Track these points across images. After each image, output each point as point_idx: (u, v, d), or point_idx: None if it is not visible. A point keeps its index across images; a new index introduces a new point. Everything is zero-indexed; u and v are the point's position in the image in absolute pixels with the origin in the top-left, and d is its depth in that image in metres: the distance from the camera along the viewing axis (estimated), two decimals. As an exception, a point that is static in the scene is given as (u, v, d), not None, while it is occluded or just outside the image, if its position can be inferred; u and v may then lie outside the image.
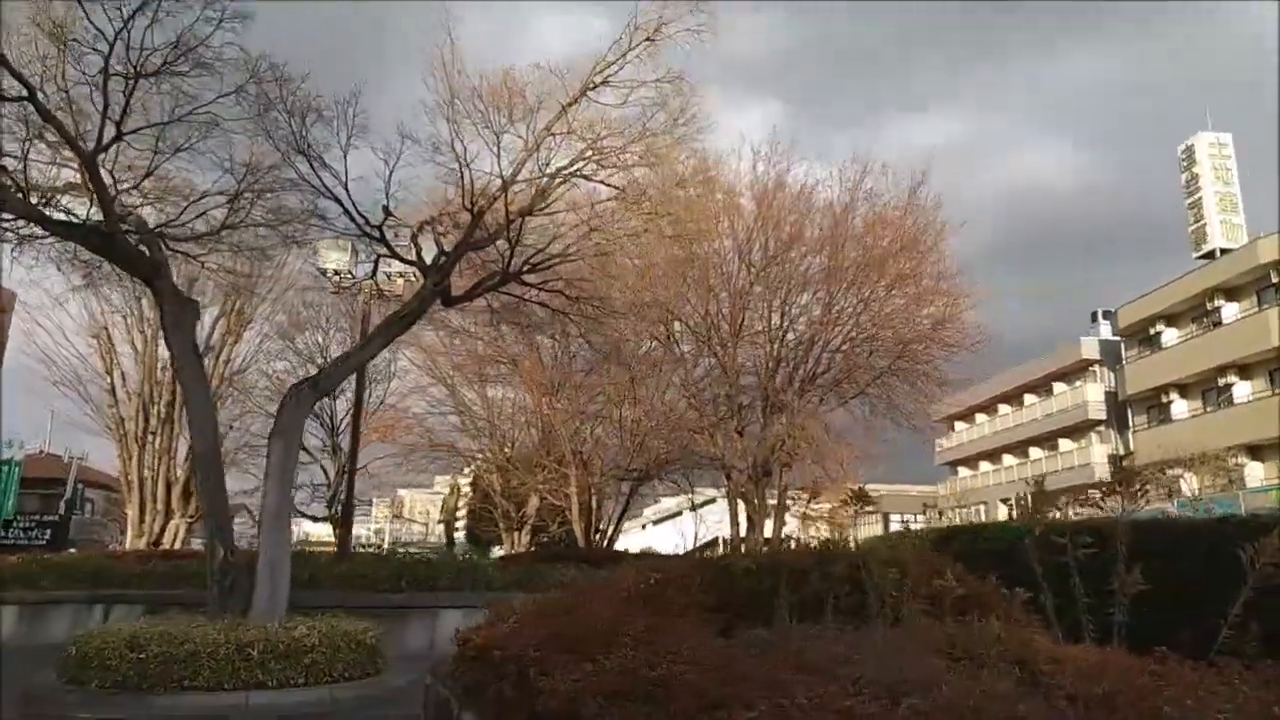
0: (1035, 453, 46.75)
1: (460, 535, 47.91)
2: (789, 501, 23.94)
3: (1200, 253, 36.84)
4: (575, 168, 9.87)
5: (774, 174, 22.50)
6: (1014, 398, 49.34)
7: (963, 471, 55.47)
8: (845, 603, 5.91)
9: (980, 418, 53.40)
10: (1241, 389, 33.68)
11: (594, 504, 27.17)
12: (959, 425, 56.15)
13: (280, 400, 9.51)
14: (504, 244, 9.72)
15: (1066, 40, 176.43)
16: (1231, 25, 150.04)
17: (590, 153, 9.84)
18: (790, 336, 22.82)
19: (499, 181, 9.46)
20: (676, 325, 23.05)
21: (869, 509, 54.48)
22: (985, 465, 52.66)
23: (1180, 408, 36.49)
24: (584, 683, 4.33)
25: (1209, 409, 35.16)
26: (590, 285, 12.50)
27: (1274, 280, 32.21)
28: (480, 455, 32.32)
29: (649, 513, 57.58)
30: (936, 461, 58.89)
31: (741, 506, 23.39)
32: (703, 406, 22.72)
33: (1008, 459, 49.66)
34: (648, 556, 18.52)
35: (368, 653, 8.30)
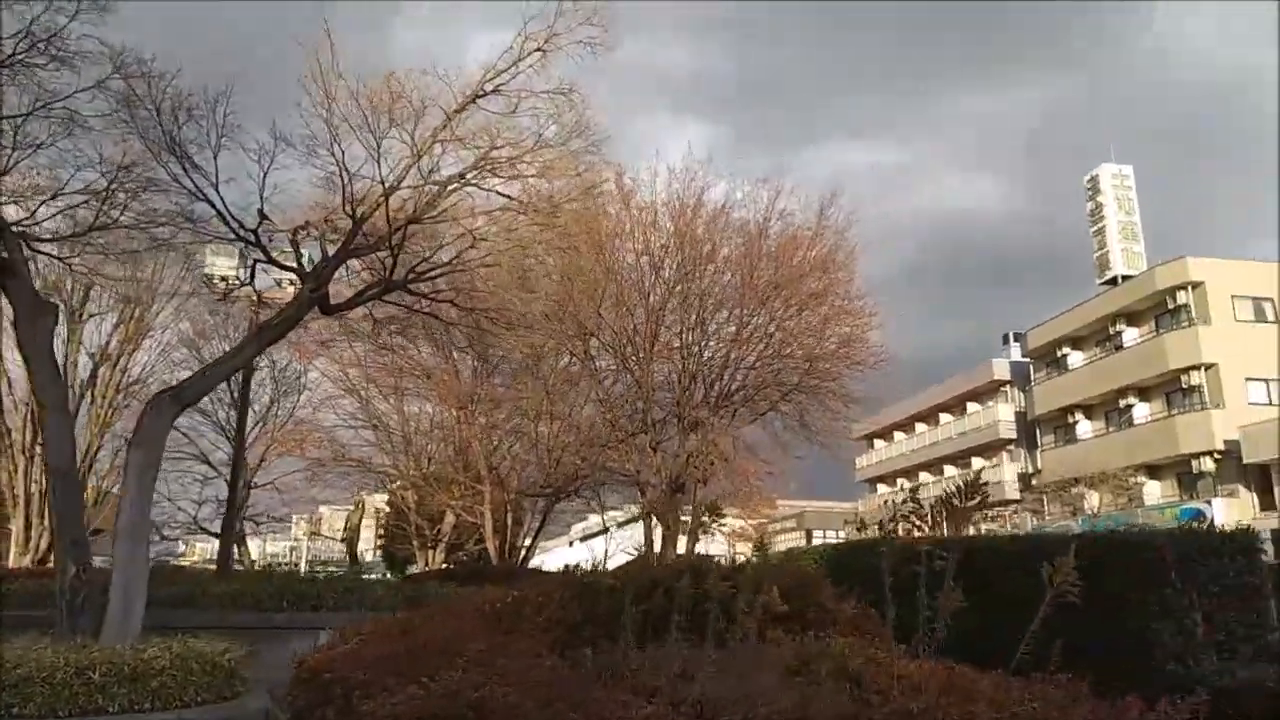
0: (950, 470, 47.87)
1: (375, 554, 46.63)
2: (705, 519, 23.91)
3: (1103, 279, 38.42)
4: (466, 177, 9.68)
5: (692, 191, 22.58)
6: (930, 417, 50.61)
7: (882, 489, 56.53)
8: (700, 620, 5.83)
9: (899, 436, 54.64)
10: (1141, 410, 35.14)
11: (508, 521, 26.75)
12: (878, 443, 57.36)
13: (140, 411, 9.05)
14: (387, 252, 9.44)
15: (994, 73, 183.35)
16: (1136, 63, 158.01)
17: (483, 162, 9.65)
18: (705, 354, 22.90)
19: (383, 187, 9.18)
20: (594, 341, 22.94)
21: (777, 525, 55.16)
22: (903, 482, 53.74)
23: (1085, 428, 37.88)
24: (404, 706, 4.16)
25: (1111, 429, 36.59)
26: (497, 298, 12.29)
27: (1170, 306, 33.77)
28: (394, 471, 31.55)
29: (577, 529, 57.14)
30: (856, 479, 60.03)
31: (657, 524, 23.31)
32: (618, 422, 22.58)
33: (924, 476, 50.76)
34: (560, 574, 18.23)
35: (224, 675, 7.88)
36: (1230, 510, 30.33)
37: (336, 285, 10.20)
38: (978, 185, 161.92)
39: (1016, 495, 40.46)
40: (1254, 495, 30.51)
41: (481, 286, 11.38)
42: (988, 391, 45.15)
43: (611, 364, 22.70)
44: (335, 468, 30.71)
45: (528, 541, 28.02)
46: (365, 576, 23.96)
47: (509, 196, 9.75)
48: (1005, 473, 41.81)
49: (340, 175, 9.16)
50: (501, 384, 26.77)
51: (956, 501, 13.46)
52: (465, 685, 3.90)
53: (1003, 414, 43.11)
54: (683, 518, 22.93)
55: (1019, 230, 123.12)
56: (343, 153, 9.11)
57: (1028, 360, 42.20)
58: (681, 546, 22.48)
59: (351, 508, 39.43)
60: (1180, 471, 33.16)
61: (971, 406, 46.53)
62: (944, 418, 49.19)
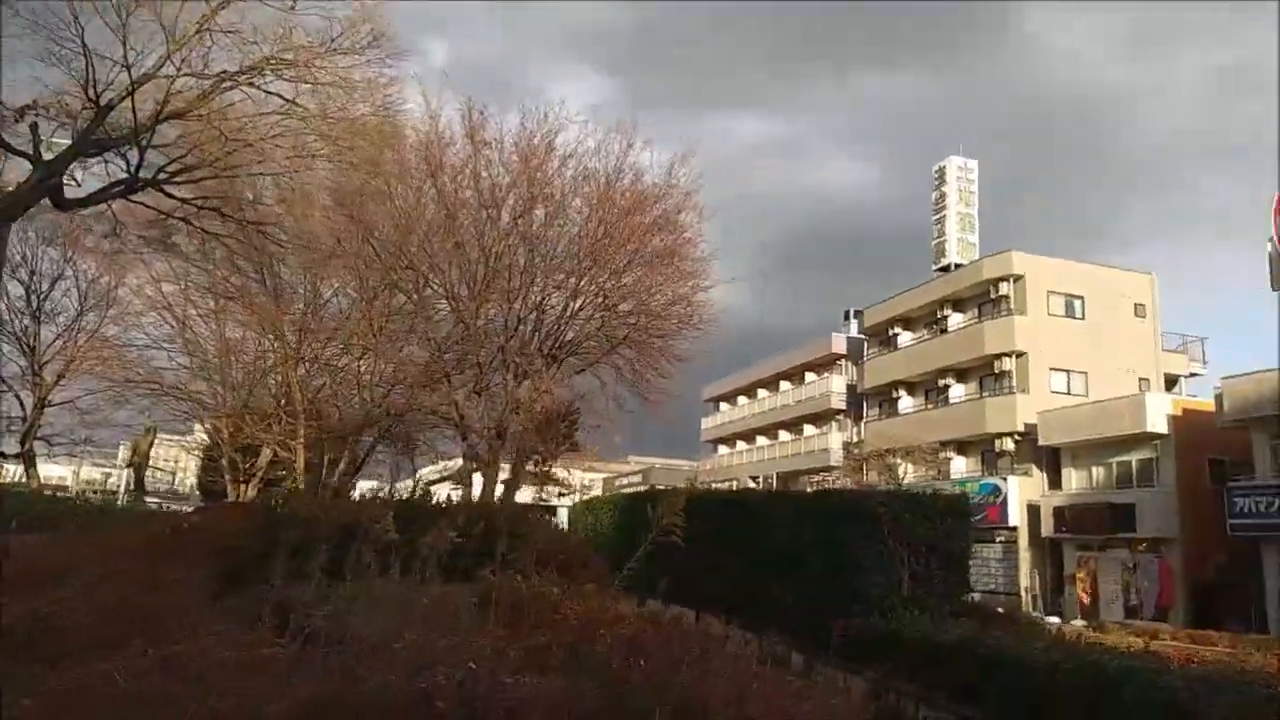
0: (785, 436, 49.90)
1: (190, 484, 44.15)
2: (531, 469, 23.78)
3: (939, 265, 40.55)
4: (241, 75, 8.91)
5: (543, 134, 21.97)
6: (773, 384, 52.36)
7: (723, 449, 58.33)
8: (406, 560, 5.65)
9: (742, 400, 56.33)
10: (957, 390, 37.53)
11: (324, 459, 25.73)
12: (724, 406, 58.99)
13: None
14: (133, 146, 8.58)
15: (878, 59, 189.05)
16: (999, 66, 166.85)
17: (265, 63, 8.91)
18: (541, 300, 22.58)
19: (129, 74, 8.28)
20: (430, 276, 22.19)
21: (624, 479, 55.97)
22: (742, 445, 55.63)
23: (906, 403, 40.15)
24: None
25: (929, 406, 38.95)
26: (289, 215, 11.49)
27: (992, 296, 36.03)
28: (209, 400, 29.69)
29: (427, 473, 55.99)
30: (701, 439, 61.72)
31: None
32: (444, 361, 22.02)
33: (761, 440, 52.68)
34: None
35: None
36: (1023, 487, 33.03)
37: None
38: (854, 166, 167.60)
39: (841, 463, 42.52)
40: (1045, 475, 33.25)
41: (271, 202, 10.61)
42: (825, 364, 47.06)
43: (442, 305, 22.09)
44: (143, 391, 28.71)
45: (344, 480, 27.01)
46: (150, 505, 22.63)
47: (285, 99, 9.04)
48: (833, 440, 43.86)
49: (85, 56, 8.19)
50: (332, 319, 25.62)
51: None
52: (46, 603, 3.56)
53: (836, 385, 45.09)
54: (528, 469, 22.82)
55: (886, 211, 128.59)
56: (81, 29, 8.15)
57: (863, 337, 44.18)
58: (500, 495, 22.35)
59: (202, 437, 36.91)
60: (985, 449, 35.74)
61: (810, 377, 48.43)
62: (784, 385, 51.01)
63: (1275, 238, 5.26)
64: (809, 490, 8.64)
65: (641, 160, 22.97)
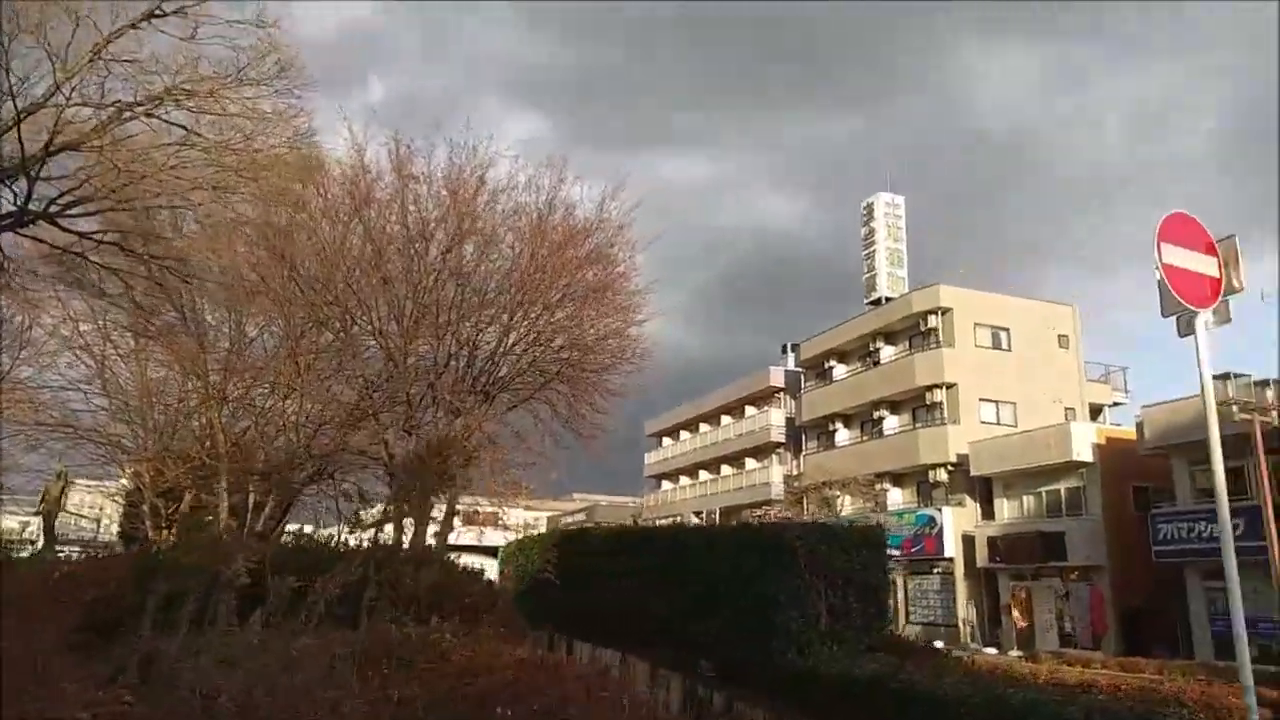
0: (726, 470, 49.95)
1: (115, 531, 42.24)
2: (460, 508, 23.18)
3: (870, 299, 41.34)
4: (143, 105, 8.59)
5: (473, 168, 21.82)
6: (714, 418, 52.55)
7: (666, 485, 58.14)
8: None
9: (684, 435, 56.35)
10: (891, 422, 38.07)
11: (249, 504, 24.79)
12: (666, 441, 58.93)
13: None
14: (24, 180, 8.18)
15: (810, 101, 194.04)
16: (927, 108, 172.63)
17: (167, 93, 8.61)
18: (474, 337, 22.25)
19: (14, 104, 7.91)
20: (357, 315, 21.71)
21: (568, 517, 55.25)
22: (685, 479, 55.52)
23: (843, 435, 40.57)
24: None
25: (865, 438, 39.42)
26: (198, 251, 11.07)
27: (922, 329, 36.79)
28: (128, 444, 28.45)
29: (371, 515, 54.38)
30: (645, 474, 61.49)
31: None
32: (373, 400, 21.47)
33: (704, 474, 52.67)
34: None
35: None
36: (957, 517, 33.48)
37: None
38: (791, 203, 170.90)
39: (782, 496, 42.65)
40: (978, 504, 33.77)
41: (194, 236, 10.21)
42: (764, 397, 47.40)
43: (371, 342, 21.61)
44: (59, 435, 27.40)
45: (271, 525, 26.04)
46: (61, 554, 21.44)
47: (186, 129, 8.74)
48: (773, 474, 44.02)
49: (-32, 84, 7.81)
50: (258, 359, 24.86)
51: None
52: None
53: (775, 419, 45.39)
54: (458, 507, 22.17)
55: (822, 246, 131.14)
56: (-40, 55, 7.77)
57: (800, 370, 44.66)
58: (430, 538, 21.71)
59: (126, 483, 35.16)
60: (920, 480, 36.20)
61: (749, 410, 48.71)
62: (725, 420, 51.20)
63: (1160, 265, 5.41)
64: (732, 525, 8.60)
65: (573, 195, 23.00)
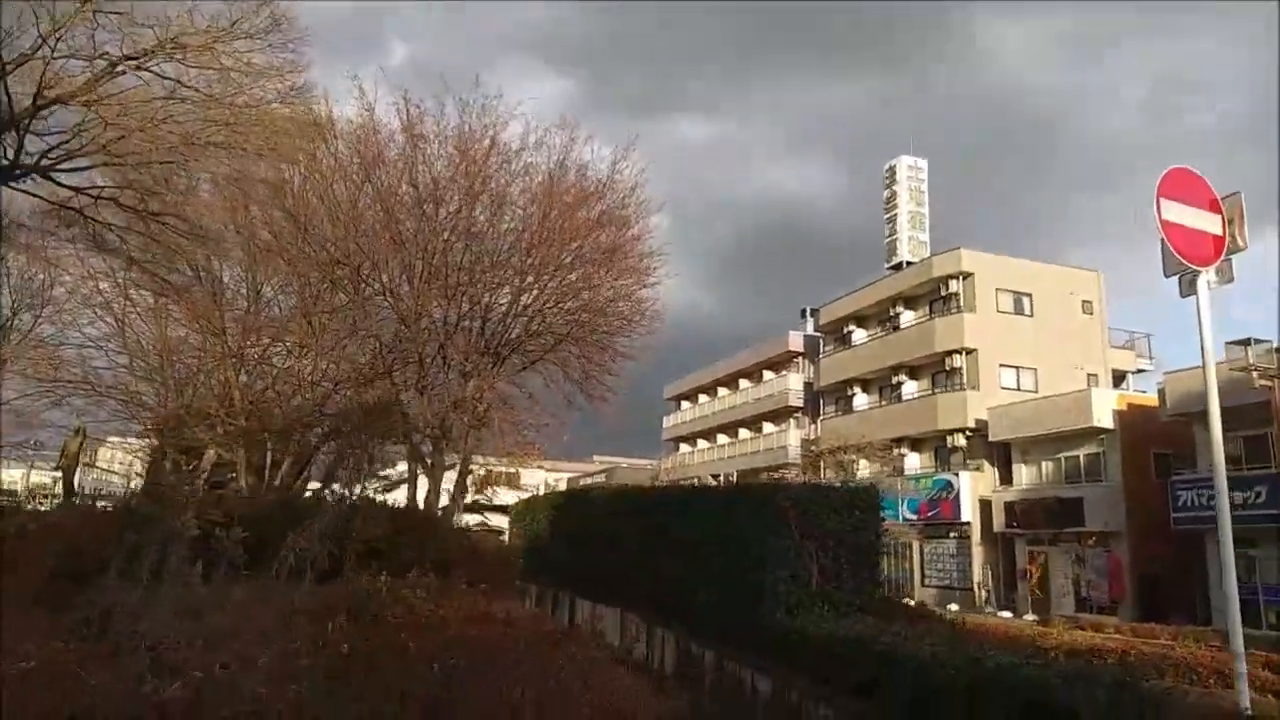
0: (744, 433, 49.92)
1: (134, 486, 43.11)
2: (474, 472, 23.41)
3: (891, 264, 40.78)
4: (135, 59, 8.50)
5: (484, 126, 21.62)
6: (732, 382, 52.41)
7: (684, 448, 58.24)
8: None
9: (703, 399, 56.31)
10: (910, 387, 37.73)
11: (268, 460, 25.13)
12: (684, 404, 58.93)
13: None
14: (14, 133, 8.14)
15: (831, 64, 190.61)
16: (954, 70, 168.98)
17: (160, 46, 8.51)
18: (486, 298, 22.22)
19: None
20: (370, 276, 21.73)
21: (589, 479, 55.68)
22: (703, 443, 55.58)
23: (861, 400, 40.31)
24: None
25: (884, 403, 39.13)
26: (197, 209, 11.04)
27: (943, 294, 36.28)
28: (150, 402, 28.87)
29: (395, 473, 55.14)
30: (663, 438, 61.64)
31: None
32: (386, 360, 21.58)
33: (721, 438, 52.68)
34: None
35: None
36: (975, 482, 33.27)
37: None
38: (810, 168, 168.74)
39: (799, 460, 42.55)
40: (996, 470, 33.51)
41: (183, 195, 10.20)
42: (783, 361, 47.15)
43: (383, 302, 21.65)
44: (81, 392, 27.84)
45: (290, 482, 26.37)
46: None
47: (178, 82, 8.64)
48: (790, 438, 43.93)
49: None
50: (274, 319, 25.03)
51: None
52: None
53: (793, 383, 45.18)
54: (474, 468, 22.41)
55: (844, 211, 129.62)
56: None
57: (819, 335, 44.30)
58: (444, 498, 21.91)
59: (151, 440, 35.73)
60: (938, 445, 35.96)
61: (768, 375, 48.49)
62: (743, 384, 51.05)
63: (1160, 222, 5.19)
64: (726, 486, 8.49)
65: (584, 156, 22.81)
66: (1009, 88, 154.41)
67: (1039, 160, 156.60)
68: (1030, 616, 27.54)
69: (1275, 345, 13.49)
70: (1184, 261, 5.51)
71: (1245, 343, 13.66)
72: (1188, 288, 5.65)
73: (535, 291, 21.77)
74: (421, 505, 22.05)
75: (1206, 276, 5.61)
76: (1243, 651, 5.05)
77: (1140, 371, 37.99)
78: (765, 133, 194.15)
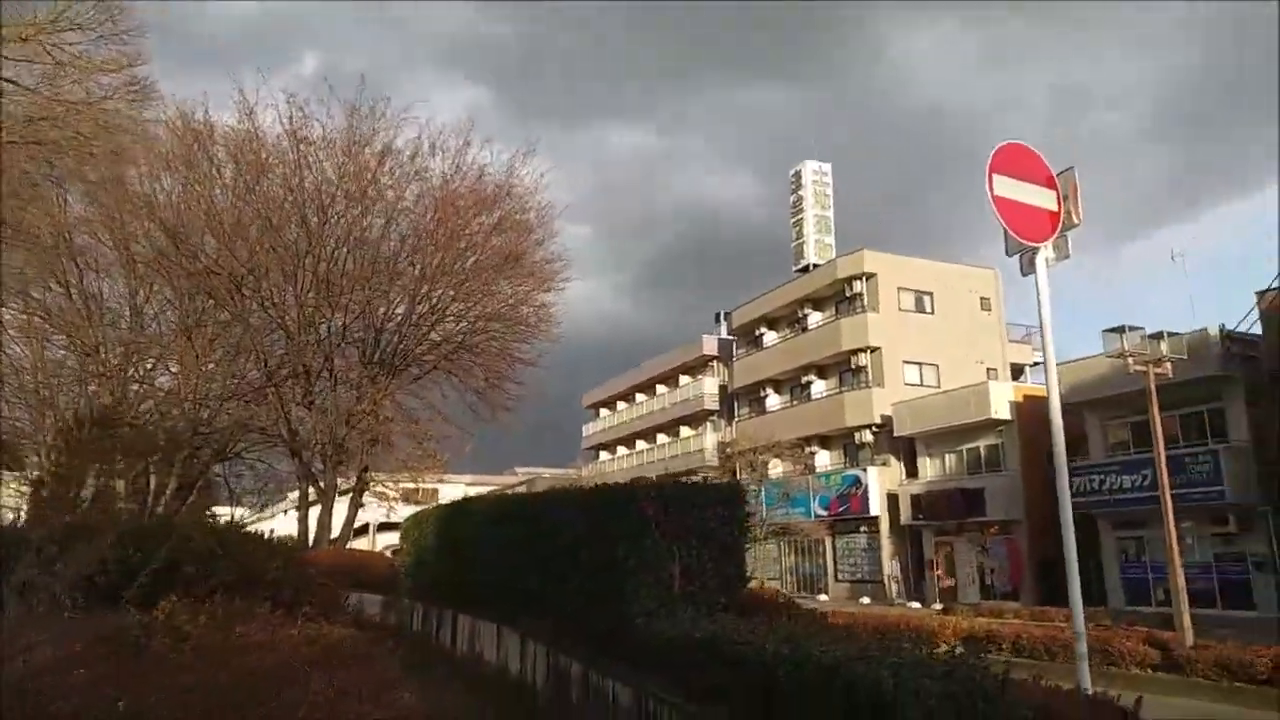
0: (662, 438, 49.88)
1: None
2: (367, 485, 22.58)
3: (799, 266, 41.34)
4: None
5: (369, 132, 20.98)
6: (650, 388, 52.36)
7: (604, 455, 57.91)
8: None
9: (622, 405, 56.10)
10: (819, 386, 38.26)
11: (149, 485, 23.78)
12: (604, 412, 58.64)
13: None
14: None
15: (750, 75, 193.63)
16: (866, 83, 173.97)
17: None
18: (388, 310, 21.54)
19: None
20: (253, 287, 20.76)
21: (509, 490, 54.66)
22: (622, 449, 55.36)
23: (774, 400, 40.69)
24: None
25: (794, 402, 39.59)
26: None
27: (848, 294, 36.92)
28: (26, 428, 27.04)
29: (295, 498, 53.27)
30: (583, 446, 61.19)
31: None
32: (272, 376, 20.67)
33: (640, 444, 52.57)
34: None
35: None
36: (882, 477, 33.86)
37: None
38: (733, 177, 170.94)
39: (715, 462, 42.67)
40: (902, 464, 34.19)
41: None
42: (698, 366, 47.31)
43: (267, 315, 20.72)
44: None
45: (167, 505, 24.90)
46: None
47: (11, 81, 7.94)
48: (707, 441, 44.06)
49: None
50: (156, 336, 23.73)
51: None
52: None
53: (708, 387, 45.36)
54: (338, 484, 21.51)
55: (759, 217, 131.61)
56: None
57: (732, 338, 44.60)
58: (338, 515, 21.11)
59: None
60: (846, 442, 36.50)
61: (684, 379, 48.61)
62: (660, 389, 51.04)
63: (991, 197, 5.20)
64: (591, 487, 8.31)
65: (484, 159, 22.37)
66: (919, 95, 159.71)
67: (947, 164, 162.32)
68: (938, 606, 28.11)
69: (1147, 332, 13.99)
70: (1016, 237, 5.48)
71: (1120, 330, 14.12)
72: (1028, 266, 5.64)
73: (432, 300, 21.20)
74: (313, 528, 21.19)
75: (1045, 254, 5.60)
76: (1083, 631, 5.03)
77: (1037, 364, 39.34)
78: (688, 142, 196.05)
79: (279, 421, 20.30)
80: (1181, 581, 14.28)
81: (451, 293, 21.07)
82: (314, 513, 24.04)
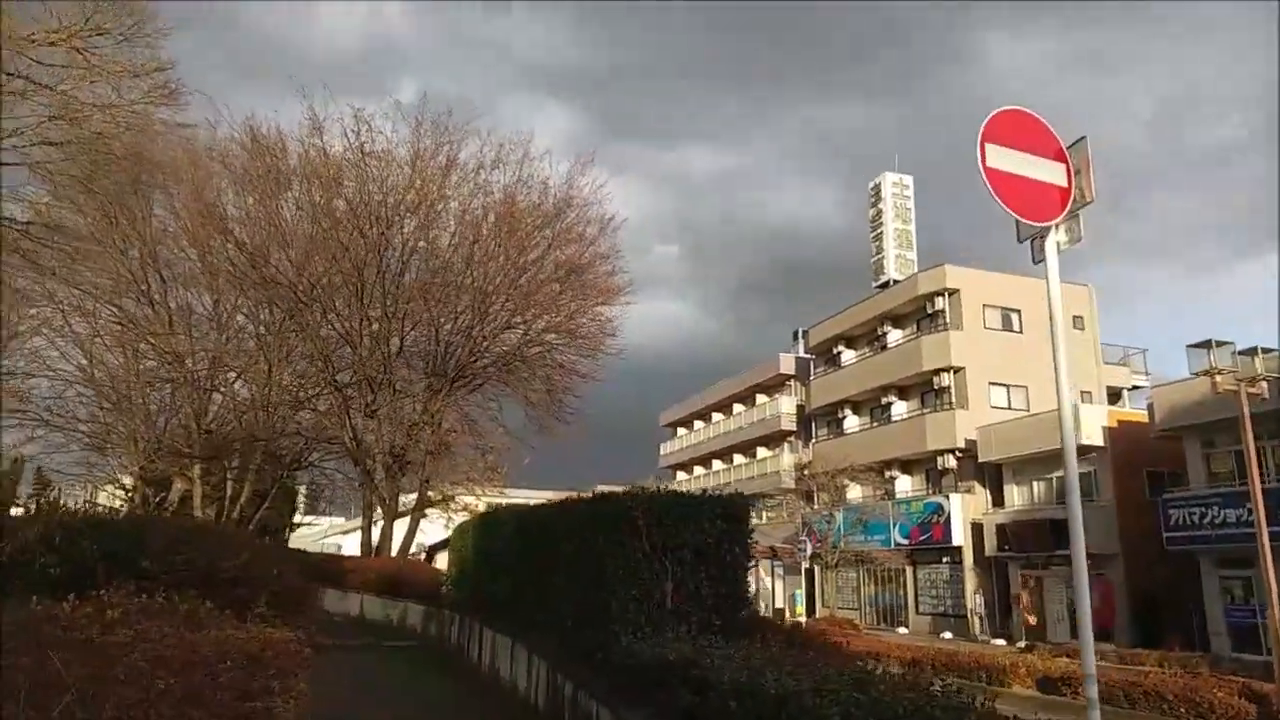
0: (739, 459, 49.02)
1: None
2: (432, 499, 22.73)
3: (878, 282, 40.09)
4: None
5: (434, 146, 21.30)
6: (726, 407, 51.62)
7: (681, 475, 57.32)
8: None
9: (699, 424, 55.48)
10: (899, 408, 36.85)
11: (228, 492, 24.61)
12: (680, 431, 58.12)
13: None
14: None
15: (830, 86, 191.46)
16: (945, 97, 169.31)
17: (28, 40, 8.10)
18: (450, 325, 21.73)
19: None
20: (316, 304, 21.22)
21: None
22: (699, 469, 54.67)
23: (852, 422, 39.41)
24: None
25: (874, 424, 38.23)
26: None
27: (929, 311, 35.53)
28: (120, 435, 28.41)
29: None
30: (660, 464, 60.73)
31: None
32: (341, 385, 21.07)
33: (717, 464, 51.81)
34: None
35: None
36: (966, 505, 32.26)
37: None
38: (811, 192, 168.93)
39: (791, 484, 41.60)
40: (987, 491, 32.51)
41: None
42: (775, 385, 46.37)
43: (333, 329, 21.15)
44: (53, 426, 27.45)
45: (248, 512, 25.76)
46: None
47: (31, 80, 8.18)
48: (784, 462, 43.00)
49: None
50: (242, 348, 24.61)
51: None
52: None
53: (785, 406, 44.35)
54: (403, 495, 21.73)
55: (842, 235, 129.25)
56: None
57: (810, 357, 43.53)
58: (399, 528, 21.28)
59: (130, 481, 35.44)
60: (928, 467, 34.98)
61: (760, 399, 47.70)
62: (737, 408, 50.23)
63: (983, 169, 4.63)
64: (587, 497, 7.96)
65: (543, 172, 22.43)
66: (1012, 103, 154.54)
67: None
68: (1022, 644, 26.45)
69: (1237, 348, 12.60)
70: (1018, 217, 4.85)
71: (1207, 344, 12.76)
72: (1039, 252, 5.00)
73: (492, 312, 21.27)
74: (376, 540, 21.42)
75: (1056, 237, 4.96)
76: (1094, 673, 4.33)
77: (1136, 388, 36.96)
78: (772, 160, 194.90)
79: (343, 430, 20.63)
80: (1278, 626, 12.83)
81: (512, 305, 21.07)
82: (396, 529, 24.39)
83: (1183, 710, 12.35)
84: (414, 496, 22.06)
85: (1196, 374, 13.77)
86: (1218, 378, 12.88)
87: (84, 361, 27.19)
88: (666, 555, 6.41)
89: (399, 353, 20.43)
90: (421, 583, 15.24)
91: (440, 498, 21.99)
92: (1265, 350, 12.89)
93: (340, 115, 25.44)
